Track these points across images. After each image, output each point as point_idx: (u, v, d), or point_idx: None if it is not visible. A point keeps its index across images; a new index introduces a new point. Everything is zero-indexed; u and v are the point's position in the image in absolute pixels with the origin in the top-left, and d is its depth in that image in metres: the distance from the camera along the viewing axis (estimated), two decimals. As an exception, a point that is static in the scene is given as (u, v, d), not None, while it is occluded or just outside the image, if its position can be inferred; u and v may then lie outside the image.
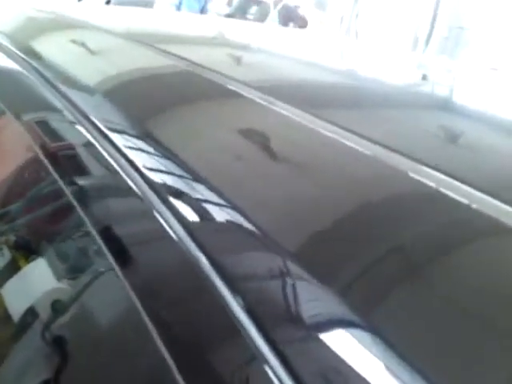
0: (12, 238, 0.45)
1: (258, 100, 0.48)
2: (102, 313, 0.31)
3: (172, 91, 0.57)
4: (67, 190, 0.39)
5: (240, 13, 5.95)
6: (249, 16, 5.89)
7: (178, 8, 6.26)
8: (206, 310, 0.27)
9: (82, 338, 0.32)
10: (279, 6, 5.55)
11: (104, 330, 0.30)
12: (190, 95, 0.54)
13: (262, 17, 5.73)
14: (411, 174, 0.34)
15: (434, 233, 0.30)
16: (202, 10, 6.18)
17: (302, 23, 5.57)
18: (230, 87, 0.52)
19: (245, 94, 0.50)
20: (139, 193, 0.34)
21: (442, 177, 0.33)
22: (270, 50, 1.00)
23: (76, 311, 0.33)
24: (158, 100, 0.54)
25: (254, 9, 5.95)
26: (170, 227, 0.31)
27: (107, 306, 0.31)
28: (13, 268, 0.42)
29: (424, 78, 0.92)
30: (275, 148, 0.39)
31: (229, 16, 5.84)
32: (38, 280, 0.38)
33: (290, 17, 5.58)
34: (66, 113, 0.49)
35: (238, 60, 0.79)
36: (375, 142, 0.39)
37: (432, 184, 0.32)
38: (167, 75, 0.62)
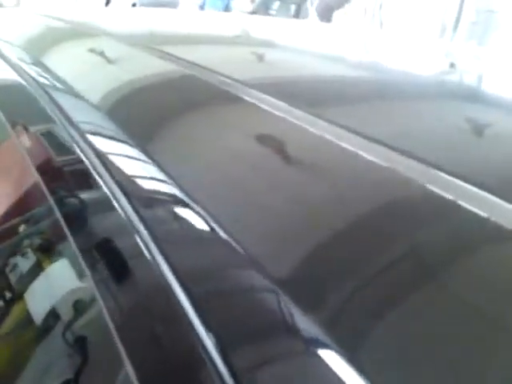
0: (36, 240, 0.46)
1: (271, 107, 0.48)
2: (120, 312, 0.32)
3: (191, 104, 0.56)
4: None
5: (263, 9, 5.95)
6: (271, 12, 5.89)
7: (202, 7, 6.32)
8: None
9: (102, 338, 0.33)
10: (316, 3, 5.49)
11: (123, 330, 0.30)
12: (204, 107, 0.54)
13: (284, 13, 5.72)
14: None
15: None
16: (226, 8, 6.21)
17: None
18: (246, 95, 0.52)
19: (263, 104, 0.50)
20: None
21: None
22: (294, 48, 1.00)
23: (96, 311, 0.34)
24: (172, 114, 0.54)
25: (276, 5, 5.94)
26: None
27: (125, 306, 0.32)
28: (38, 270, 0.43)
29: (453, 68, 0.90)
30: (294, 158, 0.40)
31: (252, 13, 5.85)
32: (60, 281, 0.38)
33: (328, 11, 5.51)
34: (75, 125, 0.50)
35: (260, 59, 0.79)
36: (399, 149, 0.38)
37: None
38: (185, 88, 0.61)
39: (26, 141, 0.55)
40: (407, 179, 0.34)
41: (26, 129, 0.58)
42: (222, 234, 0.30)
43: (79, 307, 0.35)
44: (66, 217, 0.41)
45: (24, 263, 0.43)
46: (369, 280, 0.26)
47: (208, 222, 0.31)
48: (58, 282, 0.39)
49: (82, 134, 0.48)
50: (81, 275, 0.37)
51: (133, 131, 0.48)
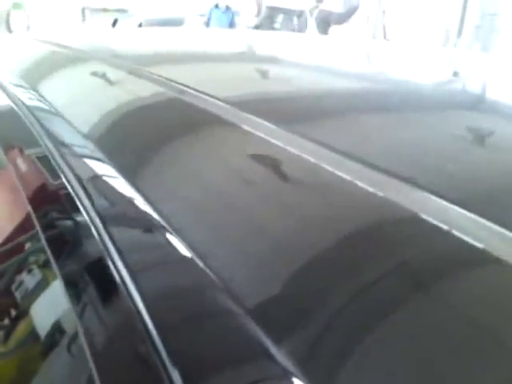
0: (42, 257, 0.48)
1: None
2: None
3: (181, 133, 0.56)
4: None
5: (267, 23, 5.98)
6: (276, 25, 5.91)
7: (208, 23, 6.37)
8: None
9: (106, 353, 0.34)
10: (315, 13, 5.51)
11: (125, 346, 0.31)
12: (196, 136, 0.54)
13: (288, 25, 5.74)
14: None
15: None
16: (231, 24, 6.26)
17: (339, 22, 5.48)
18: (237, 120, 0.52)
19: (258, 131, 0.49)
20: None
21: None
22: (295, 65, 0.98)
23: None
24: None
25: (280, 18, 5.96)
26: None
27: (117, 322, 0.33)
28: (44, 286, 0.44)
29: (456, 76, 0.89)
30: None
31: (256, 27, 5.89)
32: (62, 297, 0.40)
33: (327, 21, 5.52)
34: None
35: (259, 81, 0.77)
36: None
37: None
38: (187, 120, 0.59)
39: (21, 164, 0.56)
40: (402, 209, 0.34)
41: (21, 151, 0.59)
42: (199, 263, 0.31)
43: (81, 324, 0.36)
44: (57, 239, 0.43)
45: (29, 280, 0.45)
46: (341, 310, 0.27)
47: (187, 252, 0.32)
48: (59, 300, 0.40)
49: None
50: (78, 295, 0.38)
51: (125, 160, 0.48)
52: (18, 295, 0.46)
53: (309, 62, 0.98)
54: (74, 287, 0.38)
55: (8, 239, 0.53)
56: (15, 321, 0.47)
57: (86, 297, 0.37)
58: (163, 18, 6.80)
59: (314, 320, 0.26)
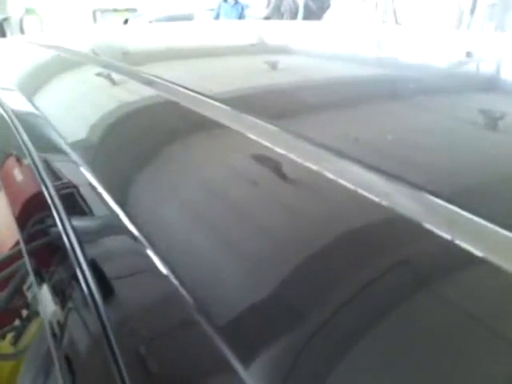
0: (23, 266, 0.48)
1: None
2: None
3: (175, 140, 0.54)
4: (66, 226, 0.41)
5: (276, 13, 5.94)
6: (285, 15, 5.87)
7: (217, 18, 6.36)
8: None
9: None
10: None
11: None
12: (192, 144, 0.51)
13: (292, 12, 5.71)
14: None
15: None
16: (240, 18, 6.23)
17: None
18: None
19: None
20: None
21: None
22: (306, 56, 0.95)
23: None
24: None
25: (285, 5, 5.92)
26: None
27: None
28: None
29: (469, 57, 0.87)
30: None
31: (266, 18, 5.85)
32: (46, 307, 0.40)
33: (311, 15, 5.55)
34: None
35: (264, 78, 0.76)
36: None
37: None
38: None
39: (7, 173, 0.57)
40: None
41: (17, 159, 0.60)
42: (178, 278, 0.30)
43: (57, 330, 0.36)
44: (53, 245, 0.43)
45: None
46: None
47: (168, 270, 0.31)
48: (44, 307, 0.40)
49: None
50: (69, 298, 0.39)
51: (117, 168, 0.48)
52: (29, 296, 0.47)
53: (319, 51, 0.96)
54: (59, 294, 0.39)
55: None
56: (25, 322, 0.48)
57: (69, 304, 0.37)
58: (172, 14, 6.83)
59: (290, 337, 0.25)
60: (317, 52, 0.96)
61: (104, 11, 8.52)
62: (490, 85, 0.68)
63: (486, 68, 0.80)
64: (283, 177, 0.39)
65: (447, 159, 0.40)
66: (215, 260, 0.32)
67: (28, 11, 8.48)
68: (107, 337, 0.29)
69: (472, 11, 4.40)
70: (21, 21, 8.42)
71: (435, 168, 0.39)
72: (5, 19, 8.25)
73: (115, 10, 8.52)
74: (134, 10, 8.38)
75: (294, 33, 1.34)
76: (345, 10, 5.32)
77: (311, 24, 1.83)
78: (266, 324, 0.26)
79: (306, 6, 5.70)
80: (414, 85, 0.65)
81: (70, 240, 0.39)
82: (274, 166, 0.41)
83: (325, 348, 0.24)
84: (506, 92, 0.65)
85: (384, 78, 0.70)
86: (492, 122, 0.49)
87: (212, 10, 6.84)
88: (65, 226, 0.41)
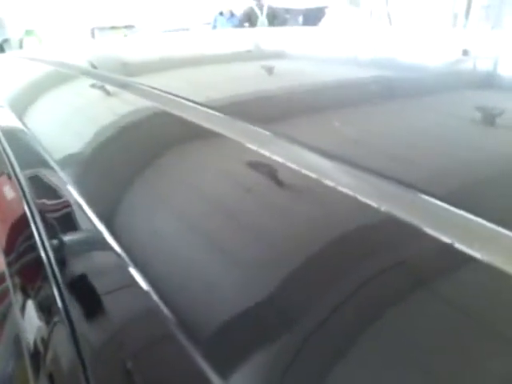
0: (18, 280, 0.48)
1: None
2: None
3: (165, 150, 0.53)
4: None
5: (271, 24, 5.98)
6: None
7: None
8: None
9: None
10: (265, 11, 5.61)
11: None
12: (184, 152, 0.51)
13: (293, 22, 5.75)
14: None
15: None
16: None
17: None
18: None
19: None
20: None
21: None
22: (298, 60, 0.95)
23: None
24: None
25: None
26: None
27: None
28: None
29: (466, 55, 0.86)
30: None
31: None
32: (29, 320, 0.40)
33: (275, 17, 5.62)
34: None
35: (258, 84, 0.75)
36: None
37: None
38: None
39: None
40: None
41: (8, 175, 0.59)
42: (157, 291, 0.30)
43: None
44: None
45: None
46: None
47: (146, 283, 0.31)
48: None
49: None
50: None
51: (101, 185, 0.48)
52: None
53: (311, 57, 0.95)
54: (44, 311, 0.39)
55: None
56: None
57: (52, 321, 0.37)
58: (169, 30, 6.89)
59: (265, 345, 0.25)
60: (309, 57, 0.96)
61: (102, 29, 8.59)
62: (486, 83, 0.68)
63: (481, 66, 0.80)
64: (277, 183, 0.39)
65: (443, 160, 0.40)
66: (201, 274, 0.31)
67: (27, 33, 8.58)
68: (88, 356, 0.29)
69: (467, 13, 4.41)
70: (20, 42, 8.52)
71: (430, 169, 0.38)
72: (5, 41, 8.35)
73: (113, 28, 8.60)
74: (132, 27, 8.46)
75: (286, 39, 1.35)
76: (339, 17, 5.35)
77: (305, 30, 1.83)
78: (250, 339, 0.25)
79: (278, 17, 5.74)
80: (407, 86, 0.65)
81: (51, 259, 0.38)
82: (269, 172, 0.40)
83: (313, 362, 0.23)
84: (503, 89, 0.65)
85: (375, 82, 0.69)
86: (489, 119, 0.49)
87: (208, 23, 6.90)
88: (48, 245, 0.40)
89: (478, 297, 0.25)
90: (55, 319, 0.37)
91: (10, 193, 0.55)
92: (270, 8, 5.76)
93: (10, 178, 0.55)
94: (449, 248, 0.27)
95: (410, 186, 0.33)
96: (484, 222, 0.29)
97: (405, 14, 4.70)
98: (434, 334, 0.23)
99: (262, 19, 5.63)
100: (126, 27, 8.51)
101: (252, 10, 5.77)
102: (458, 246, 0.27)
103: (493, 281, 0.25)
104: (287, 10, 6.10)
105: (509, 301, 0.24)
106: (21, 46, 8.42)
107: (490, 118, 0.49)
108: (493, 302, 0.24)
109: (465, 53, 0.91)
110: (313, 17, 5.69)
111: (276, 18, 5.71)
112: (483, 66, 0.80)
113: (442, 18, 4.51)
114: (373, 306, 0.25)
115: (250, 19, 5.70)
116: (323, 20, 5.61)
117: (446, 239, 0.28)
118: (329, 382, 0.22)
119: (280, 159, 0.40)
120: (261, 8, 5.76)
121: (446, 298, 0.25)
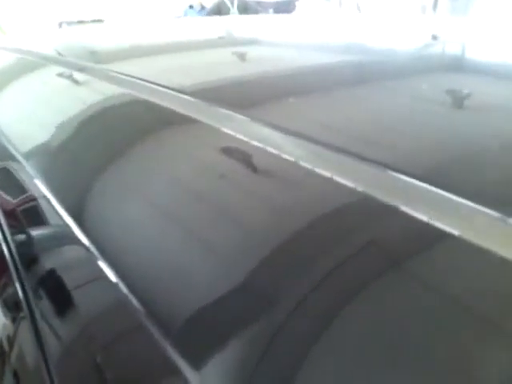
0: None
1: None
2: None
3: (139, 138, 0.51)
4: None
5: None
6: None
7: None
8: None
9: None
10: (236, 3, 5.62)
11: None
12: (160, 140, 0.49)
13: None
14: None
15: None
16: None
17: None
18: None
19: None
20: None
21: None
22: (270, 47, 0.95)
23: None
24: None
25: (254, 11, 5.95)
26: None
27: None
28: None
29: (435, 40, 0.88)
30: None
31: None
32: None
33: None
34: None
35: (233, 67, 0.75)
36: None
37: None
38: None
39: None
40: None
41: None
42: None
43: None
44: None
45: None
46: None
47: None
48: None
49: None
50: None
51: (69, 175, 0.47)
52: None
53: (286, 43, 0.95)
54: (10, 308, 0.38)
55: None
56: None
57: (18, 318, 0.36)
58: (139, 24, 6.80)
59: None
60: (282, 44, 0.96)
61: (70, 23, 8.44)
62: (453, 66, 0.69)
63: (446, 50, 0.81)
64: (254, 167, 0.38)
65: (417, 140, 0.40)
66: (172, 264, 0.31)
67: (-8, 27, 8.35)
68: (55, 349, 0.29)
69: (434, 6, 4.48)
70: (-16, 36, 8.28)
71: (405, 149, 0.38)
72: (-32, 35, 8.11)
73: (81, 22, 8.45)
74: (100, 21, 8.33)
75: (260, 26, 1.34)
76: (310, 9, 5.38)
77: (278, 18, 1.83)
78: (219, 329, 0.25)
79: (249, 9, 5.73)
80: (379, 70, 0.65)
81: (20, 253, 0.37)
82: (246, 156, 0.40)
83: (287, 350, 0.23)
84: (470, 72, 0.66)
85: (349, 66, 0.70)
86: (458, 101, 0.49)
87: (178, 17, 6.84)
88: (13, 240, 0.39)
89: (455, 274, 0.25)
90: (20, 316, 0.36)
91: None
92: (240, 1, 5.74)
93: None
94: (424, 225, 0.27)
95: (385, 166, 0.33)
96: (459, 198, 0.29)
97: (374, 7, 4.75)
98: (413, 315, 0.22)
99: (234, 11, 5.61)
100: (93, 22, 8.37)
101: (223, 2, 5.74)
102: (434, 223, 0.27)
103: (468, 257, 0.25)
104: (258, 3, 6.09)
105: (485, 277, 0.24)
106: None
107: (458, 100, 0.49)
108: (469, 278, 0.24)
109: (433, 37, 0.93)
110: (283, 10, 5.69)
111: (247, 11, 5.68)
112: (447, 49, 0.81)
113: (411, 10, 4.57)
114: (350, 289, 0.25)
115: (220, 12, 5.66)
116: (294, 13, 5.61)
117: (421, 217, 0.28)
118: (303, 369, 0.22)
119: (257, 143, 0.40)
120: (231, 1, 5.74)
121: (422, 277, 0.25)
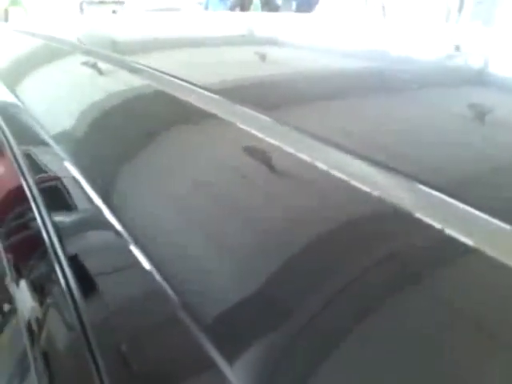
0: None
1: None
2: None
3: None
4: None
5: (265, 5, 5.91)
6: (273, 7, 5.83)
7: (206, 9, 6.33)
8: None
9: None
10: None
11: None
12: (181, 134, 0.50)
13: (287, 5, 5.69)
14: None
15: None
16: (230, 10, 6.20)
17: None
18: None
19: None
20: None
21: None
22: (294, 47, 0.94)
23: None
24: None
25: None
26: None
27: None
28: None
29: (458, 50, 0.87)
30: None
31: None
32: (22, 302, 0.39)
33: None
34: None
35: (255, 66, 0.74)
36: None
37: None
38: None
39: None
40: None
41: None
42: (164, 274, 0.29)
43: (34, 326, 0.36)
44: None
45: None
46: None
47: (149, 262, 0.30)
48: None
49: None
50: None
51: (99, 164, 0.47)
52: (9, 291, 0.46)
53: (312, 44, 0.95)
54: (37, 290, 0.38)
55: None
56: (5, 319, 0.47)
57: (47, 300, 0.37)
58: (160, 8, 6.77)
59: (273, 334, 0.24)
60: (310, 44, 0.95)
61: (90, 3, 8.42)
62: (478, 78, 0.69)
63: (475, 61, 0.80)
64: (275, 168, 0.39)
65: (441, 150, 0.40)
66: (203, 255, 0.31)
67: (13, 2, 8.35)
68: (86, 334, 0.28)
69: (460, 9, 4.43)
70: (6, 12, 8.29)
71: (428, 159, 0.38)
72: (-11, 10, 8.13)
73: (102, 2, 8.44)
74: (122, 3, 8.31)
75: (285, 25, 1.33)
76: (333, 4, 5.32)
77: (305, 16, 1.82)
78: (253, 321, 0.25)
79: (271, 2, 5.69)
80: (408, 77, 0.65)
81: (50, 235, 0.37)
82: (266, 157, 0.40)
83: (315, 345, 0.23)
84: (494, 86, 0.66)
85: (377, 70, 0.70)
86: (481, 114, 0.49)
87: (200, 3, 6.81)
88: (45, 221, 0.39)
89: (469, 284, 0.25)
90: (49, 298, 0.36)
91: (5, 168, 0.54)
92: None
93: (5, 153, 0.54)
94: (439, 234, 0.27)
95: (406, 174, 0.34)
96: (475, 210, 0.29)
97: (399, 6, 4.70)
98: (434, 324, 0.23)
99: (256, 3, 5.57)
100: (114, 2, 8.35)
101: None
102: (448, 231, 0.27)
103: (481, 267, 0.26)
104: (281, -5, 6.04)
105: (499, 287, 0.25)
106: (6, 16, 8.21)
107: (481, 113, 0.49)
108: (483, 288, 0.25)
109: (456, 48, 0.92)
110: (306, 3, 5.64)
111: (268, 4, 5.64)
112: (473, 61, 0.80)
113: (436, 12, 4.51)
114: (374, 292, 0.25)
115: (242, 3, 5.63)
116: (317, 7, 5.56)
117: (436, 225, 0.28)
118: (334, 364, 0.22)
119: (280, 145, 0.40)
120: None
121: (438, 285, 0.25)
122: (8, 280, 0.46)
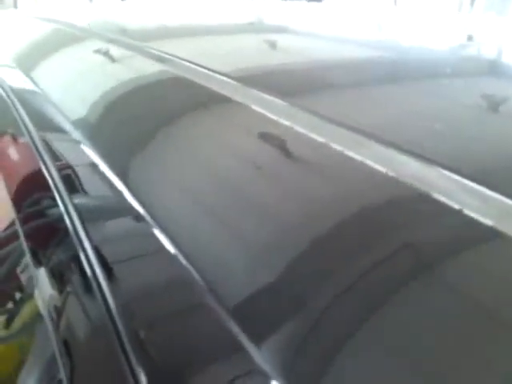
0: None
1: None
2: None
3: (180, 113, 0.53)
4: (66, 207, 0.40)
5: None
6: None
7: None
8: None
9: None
10: None
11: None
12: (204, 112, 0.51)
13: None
14: None
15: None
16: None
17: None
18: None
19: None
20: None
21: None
22: (305, 34, 0.94)
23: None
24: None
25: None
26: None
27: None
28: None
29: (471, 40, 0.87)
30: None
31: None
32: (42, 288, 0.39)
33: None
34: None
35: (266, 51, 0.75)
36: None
37: None
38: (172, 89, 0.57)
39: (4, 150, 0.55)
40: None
41: (13, 137, 0.58)
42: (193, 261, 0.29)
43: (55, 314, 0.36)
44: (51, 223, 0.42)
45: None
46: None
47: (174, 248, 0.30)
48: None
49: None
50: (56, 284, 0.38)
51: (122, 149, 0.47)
52: (23, 278, 0.46)
53: (328, 31, 0.95)
54: (57, 278, 0.38)
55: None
56: (19, 305, 0.47)
57: (68, 288, 0.37)
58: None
59: (301, 320, 0.24)
60: (323, 32, 0.96)
61: (100, -11, 8.40)
62: (489, 68, 0.68)
63: (484, 51, 0.80)
64: (291, 150, 0.39)
65: (456, 136, 0.41)
66: (224, 240, 0.31)
67: (22, -11, 8.32)
68: (110, 321, 0.28)
69: (472, 0, 4.38)
70: (15, -2, 8.27)
71: (444, 142, 0.39)
72: (-2, -4, 8.11)
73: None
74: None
75: (300, 12, 1.33)
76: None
77: (317, 5, 1.81)
78: (276, 306, 0.25)
79: None
80: (419, 64, 0.65)
81: (72, 221, 0.38)
82: (285, 141, 0.40)
83: (338, 330, 0.23)
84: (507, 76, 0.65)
85: (388, 57, 0.70)
86: (492, 105, 0.49)
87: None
88: (66, 207, 0.39)
89: (494, 270, 0.25)
90: (68, 285, 0.37)
91: (24, 154, 0.54)
92: None
93: (24, 138, 0.55)
94: (457, 214, 0.28)
95: (420, 156, 0.34)
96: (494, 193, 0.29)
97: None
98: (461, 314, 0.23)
99: None
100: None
101: None
102: (466, 212, 0.28)
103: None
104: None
105: None
106: (15, 3, 8.19)
107: (493, 104, 0.49)
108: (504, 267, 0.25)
109: (469, 38, 0.91)
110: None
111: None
112: (486, 51, 0.80)
113: (448, 2, 4.46)
114: (396, 277, 0.26)
115: None
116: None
117: (454, 205, 0.28)
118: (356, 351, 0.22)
119: (295, 127, 0.41)
120: None
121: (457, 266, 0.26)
122: (22, 268, 0.46)
